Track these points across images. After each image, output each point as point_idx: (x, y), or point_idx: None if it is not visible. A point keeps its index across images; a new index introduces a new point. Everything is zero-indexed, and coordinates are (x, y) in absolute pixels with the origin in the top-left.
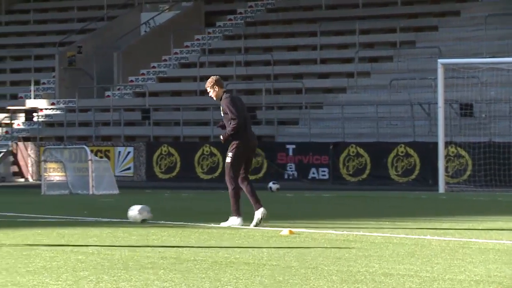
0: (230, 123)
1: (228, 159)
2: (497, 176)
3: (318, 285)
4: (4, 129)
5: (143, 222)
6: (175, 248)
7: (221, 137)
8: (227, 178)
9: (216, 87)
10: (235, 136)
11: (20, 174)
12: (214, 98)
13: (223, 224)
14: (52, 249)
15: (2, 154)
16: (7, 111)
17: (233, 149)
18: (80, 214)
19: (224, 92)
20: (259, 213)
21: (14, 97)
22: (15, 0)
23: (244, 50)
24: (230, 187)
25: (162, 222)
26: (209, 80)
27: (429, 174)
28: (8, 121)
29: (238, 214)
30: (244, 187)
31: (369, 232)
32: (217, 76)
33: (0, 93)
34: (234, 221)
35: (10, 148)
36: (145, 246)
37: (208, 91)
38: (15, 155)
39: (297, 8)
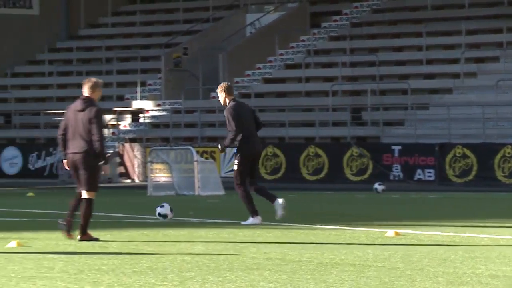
0: (228, 134)
1: (234, 167)
2: None
3: (423, 286)
4: (111, 130)
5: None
6: (280, 249)
7: (219, 146)
8: (235, 185)
9: (224, 94)
10: (239, 145)
11: (126, 175)
12: (222, 103)
13: (243, 223)
14: (158, 250)
15: (108, 155)
16: (114, 112)
17: (238, 157)
18: (185, 215)
19: (231, 100)
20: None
21: (121, 98)
22: (122, 2)
23: (350, 51)
24: (239, 192)
25: (267, 223)
26: (221, 85)
27: None
28: (115, 122)
29: (255, 214)
30: (243, 191)
31: (475, 234)
32: (229, 83)
33: (106, 94)
34: (253, 220)
35: (117, 149)
36: (250, 247)
37: (217, 95)
38: (121, 156)
39: (402, 9)
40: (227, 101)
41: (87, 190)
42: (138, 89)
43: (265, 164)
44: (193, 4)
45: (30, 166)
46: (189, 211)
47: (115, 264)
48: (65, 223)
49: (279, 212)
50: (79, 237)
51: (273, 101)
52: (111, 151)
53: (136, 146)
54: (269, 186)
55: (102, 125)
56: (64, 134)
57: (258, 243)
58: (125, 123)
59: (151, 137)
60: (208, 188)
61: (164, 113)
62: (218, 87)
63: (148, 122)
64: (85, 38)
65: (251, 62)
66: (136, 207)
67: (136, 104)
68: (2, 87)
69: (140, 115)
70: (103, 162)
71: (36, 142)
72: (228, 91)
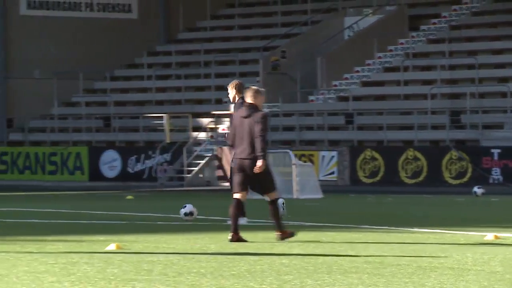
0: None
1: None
2: None
3: None
4: (209, 134)
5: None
6: (379, 253)
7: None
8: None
9: (235, 91)
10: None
11: (225, 178)
12: (231, 100)
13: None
14: (257, 253)
15: (207, 158)
16: (212, 115)
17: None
18: (284, 218)
19: (240, 98)
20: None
21: (219, 101)
22: (221, 5)
23: (448, 54)
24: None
25: (366, 226)
26: (232, 81)
27: None
28: (213, 126)
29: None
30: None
31: None
32: (241, 81)
33: (205, 97)
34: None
35: (215, 153)
36: (349, 250)
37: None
38: (219, 160)
39: (503, 11)
40: (236, 98)
41: (268, 193)
42: None
43: (364, 168)
44: (291, 7)
45: (129, 169)
46: (287, 214)
47: (214, 267)
48: (232, 234)
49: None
50: (229, 237)
51: (371, 105)
52: (209, 155)
53: None
54: (368, 189)
55: (266, 128)
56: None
57: (356, 245)
58: (224, 127)
59: None
60: (306, 191)
61: None
62: (230, 83)
63: None
64: (183, 42)
65: (349, 65)
66: None
67: None
68: (102, 90)
69: None
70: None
71: (135, 145)
72: (239, 88)
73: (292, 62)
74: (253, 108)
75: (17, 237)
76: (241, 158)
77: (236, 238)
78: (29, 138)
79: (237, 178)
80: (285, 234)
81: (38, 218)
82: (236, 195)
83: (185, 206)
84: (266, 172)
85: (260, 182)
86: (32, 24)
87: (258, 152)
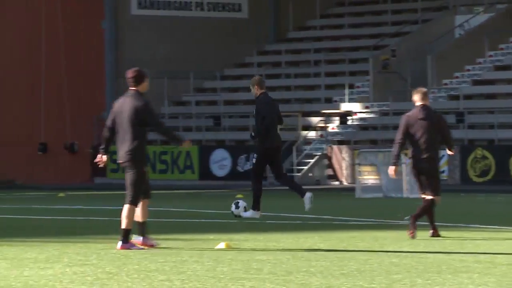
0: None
1: (253, 160)
2: None
3: None
4: (319, 133)
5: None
6: (489, 252)
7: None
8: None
9: (256, 87)
10: (260, 138)
11: (334, 177)
12: (254, 96)
13: (244, 215)
14: (366, 252)
15: (317, 157)
16: (322, 114)
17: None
18: (394, 217)
19: (262, 93)
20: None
21: (329, 100)
22: (330, 4)
23: None
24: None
25: (476, 226)
26: (254, 78)
27: None
28: (323, 125)
29: (257, 208)
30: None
31: None
32: (261, 77)
33: (314, 96)
34: (252, 214)
35: (325, 152)
36: (459, 249)
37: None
38: (329, 159)
39: None
40: (258, 93)
41: (434, 195)
42: (346, 91)
43: (474, 167)
44: (401, 6)
45: (239, 168)
46: (397, 213)
47: (323, 266)
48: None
49: (307, 206)
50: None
51: (482, 103)
52: (319, 154)
53: (344, 148)
54: (478, 188)
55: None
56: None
57: (466, 245)
58: (333, 126)
59: (359, 139)
60: (416, 190)
61: (372, 115)
62: (252, 79)
63: (356, 124)
64: (293, 41)
65: (460, 63)
66: (344, 209)
67: (344, 107)
68: (212, 89)
69: (348, 118)
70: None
71: (245, 144)
72: (260, 84)
73: (402, 60)
74: (428, 109)
75: None
76: (421, 158)
77: (437, 234)
78: None
79: (424, 179)
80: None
81: (149, 217)
82: (431, 196)
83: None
84: (435, 172)
85: (429, 181)
86: (143, 23)
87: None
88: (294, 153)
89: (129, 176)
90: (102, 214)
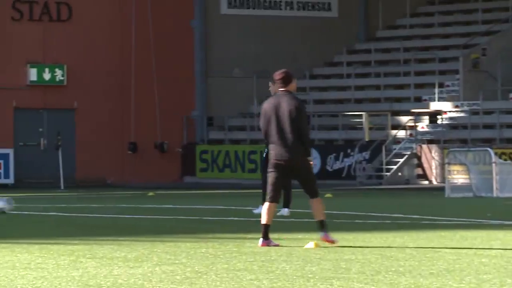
0: None
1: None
2: None
3: None
4: (408, 132)
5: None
6: None
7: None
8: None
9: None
10: None
11: (424, 176)
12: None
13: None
14: (455, 252)
15: (406, 156)
16: (411, 113)
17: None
18: (483, 216)
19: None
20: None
21: (418, 99)
22: (420, 3)
23: None
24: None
25: None
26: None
27: None
28: (412, 124)
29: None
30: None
31: None
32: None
33: (404, 96)
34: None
35: (415, 151)
36: None
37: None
38: (419, 158)
39: None
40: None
41: None
42: (436, 90)
43: None
44: (492, 4)
45: (328, 167)
46: (486, 212)
47: (412, 266)
48: None
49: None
50: None
51: None
52: (408, 153)
53: (434, 147)
54: None
55: None
56: None
57: None
58: (423, 125)
59: (449, 139)
60: (507, 189)
61: (462, 114)
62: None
63: (446, 123)
64: (383, 40)
65: None
66: (434, 208)
67: (434, 106)
68: (301, 89)
69: (438, 117)
70: None
71: (334, 143)
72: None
73: (492, 59)
74: None
75: (216, 234)
76: None
77: None
78: (228, 137)
79: None
80: None
81: (238, 216)
82: None
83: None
84: None
85: None
86: (232, 23)
87: None
88: (384, 153)
89: (304, 172)
90: (191, 213)
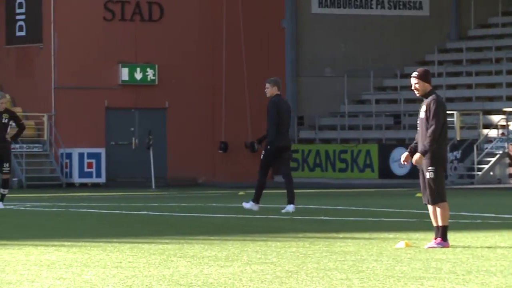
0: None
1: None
2: None
3: None
4: (500, 131)
5: None
6: None
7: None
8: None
9: (275, 87)
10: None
11: None
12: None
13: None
14: None
15: (498, 156)
16: (503, 112)
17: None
18: None
19: (276, 95)
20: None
21: (510, 98)
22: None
23: None
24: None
25: None
26: (272, 79)
27: None
28: (504, 123)
29: (257, 201)
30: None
31: None
32: (279, 79)
33: (496, 94)
34: (251, 206)
35: (506, 150)
36: None
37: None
38: (511, 157)
39: None
40: (273, 94)
41: None
42: None
43: None
44: None
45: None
46: None
47: (504, 266)
48: None
49: (284, 210)
50: None
51: None
52: (500, 152)
53: None
54: None
55: None
56: None
57: None
58: None
59: None
60: None
61: None
62: (272, 80)
63: None
64: (474, 38)
65: None
66: None
67: None
68: (392, 88)
69: None
70: None
71: None
72: (279, 86)
73: None
74: None
75: (306, 233)
76: None
77: None
78: (319, 136)
79: None
80: None
81: (329, 215)
82: None
83: None
84: None
85: None
86: (323, 22)
87: None
88: (475, 152)
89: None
90: (281, 212)
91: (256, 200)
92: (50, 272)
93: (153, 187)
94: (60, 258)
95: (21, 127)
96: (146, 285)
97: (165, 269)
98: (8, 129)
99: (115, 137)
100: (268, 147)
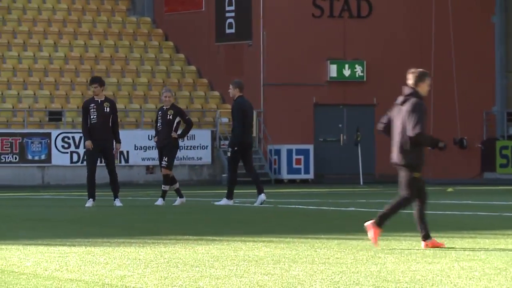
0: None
1: (228, 154)
2: None
3: None
4: None
5: None
6: None
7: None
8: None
9: (237, 89)
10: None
11: None
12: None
13: (217, 203)
14: None
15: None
16: None
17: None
18: None
19: (239, 97)
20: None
21: None
22: None
23: None
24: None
25: None
26: (236, 81)
27: None
28: None
29: (230, 197)
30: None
31: None
32: (242, 81)
33: None
34: (226, 202)
35: None
36: None
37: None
38: None
39: None
40: (236, 95)
41: None
42: None
43: None
44: None
45: None
46: None
47: None
48: None
49: (257, 203)
50: None
51: None
52: None
53: None
54: None
55: None
56: None
57: None
58: None
59: None
60: None
61: None
62: (235, 81)
63: None
64: None
65: None
66: None
67: None
68: None
69: None
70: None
71: None
72: (241, 87)
73: None
74: None
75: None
76: None
77: None
78: None
79: None
80: None
81: None
82: None
83: None
84: None
85: None
86: None
87: None
88: None
89: None
90: (491, 209)
91: (230, 196)
92: (258, 267)
93: (361, 183)
94: (268, 254)
95: (188, 124)
96: (354, 282)
97: (372, 265)
98: (174, 126)
99: (323, 133)
100: (236, 148)
